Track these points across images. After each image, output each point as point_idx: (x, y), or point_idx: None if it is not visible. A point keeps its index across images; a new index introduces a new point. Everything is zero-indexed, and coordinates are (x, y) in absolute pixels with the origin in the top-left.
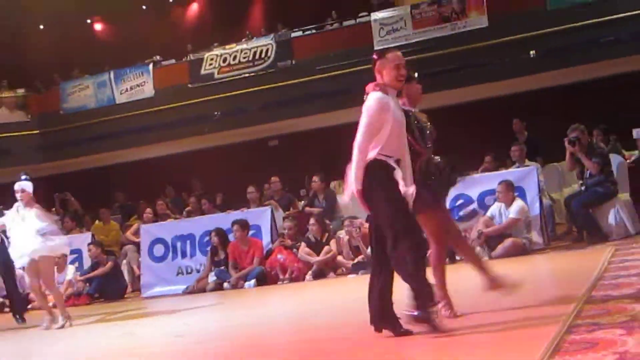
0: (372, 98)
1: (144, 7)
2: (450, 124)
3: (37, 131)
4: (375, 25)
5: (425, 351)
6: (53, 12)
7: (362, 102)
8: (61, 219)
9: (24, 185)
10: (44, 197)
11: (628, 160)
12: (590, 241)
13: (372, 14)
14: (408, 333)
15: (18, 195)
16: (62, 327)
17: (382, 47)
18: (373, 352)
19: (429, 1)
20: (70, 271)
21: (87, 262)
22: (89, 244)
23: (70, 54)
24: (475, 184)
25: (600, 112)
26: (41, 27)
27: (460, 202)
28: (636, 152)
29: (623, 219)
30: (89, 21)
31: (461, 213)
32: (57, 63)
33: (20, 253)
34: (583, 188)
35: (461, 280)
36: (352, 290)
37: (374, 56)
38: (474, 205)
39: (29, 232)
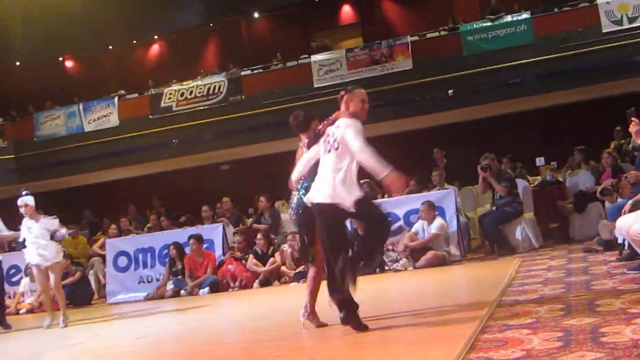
0: (350, 120)
1: (110, 47)
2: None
3: (13, 156)
4: (314, 66)
5: (351, 350)
6: (28, 50)
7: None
8: None
9: (26, 200)
10: (17, 215)
11: (532, 185)
12: (500, 253)
13: (312, 56)
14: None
15: (22, 210)
16: (65, 326)
17: (320, 85)
18: (307, 347)
19: (362, 46)
20: None
21: None
22: None
23: (43, 87)
24: (401, 204)
25: (508, 143)
26: (17, 63)
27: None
28: (539, 177)
29: (528, 234)
30: (60, 59)
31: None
32: (31, 95)
33: (35, 260)
34: (494, 208)
35: (385, 288)
36: (294, 296)
37: (342, 91)
38: (401, 222)
39: (37, 241)
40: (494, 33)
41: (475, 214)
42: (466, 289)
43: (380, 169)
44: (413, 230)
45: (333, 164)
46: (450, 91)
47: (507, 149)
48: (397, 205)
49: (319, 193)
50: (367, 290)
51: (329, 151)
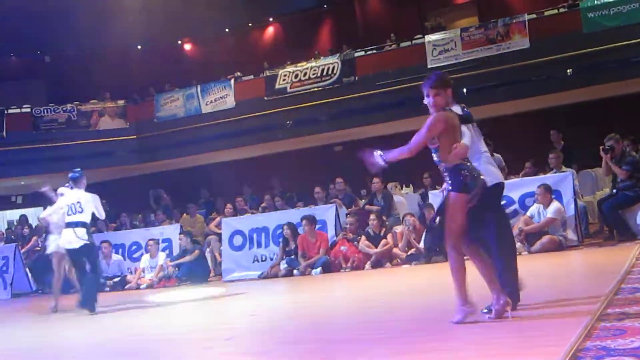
0: None
1: (227, 30)
2: (494, 133)
3: (134, 136)
4: (428, 46)
5: (471, 333)
6: (149, 35)
7: (416, 113)
8: (155, 212)
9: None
10: (139, 194)
11: None
12: (620, 239)
13: (426, 36)
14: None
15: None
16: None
17: (435, 65)
18: (420, 331)
19: (477, 25)
20: (162, 257)
21: (175, 250)
22: (179, 234)
23: (163, 70)
24: (516, 187)
25: (631, 124)
26: (139, 47)
27: (503, 202)
28: None
29: None
30: (179, 42)
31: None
32: (152, 78)
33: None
34: (614, 191)
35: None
36: (406, 278)
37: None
38: (516, 206)
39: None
40: (617, 9)
41: (594, 198)
42: (583, 275)
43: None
44: (528, 214)
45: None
46: (569, 70)
47: (629, 130)
48: (512, 188)
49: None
50: (477, 274)
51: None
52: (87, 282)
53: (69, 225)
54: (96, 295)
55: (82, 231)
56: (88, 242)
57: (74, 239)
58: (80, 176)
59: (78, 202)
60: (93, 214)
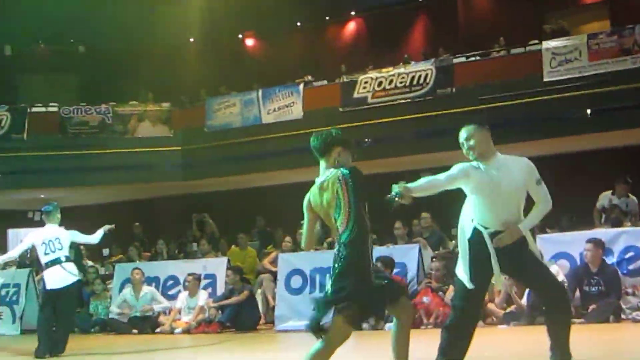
0: None
1: (298, 23)
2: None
3: (180, 147)
4: (546, 55)
5: None
6: (204, 27)
7: (526, 136)
8: (197, 240)
9: None
10: (181, 217)
11: None
12: None
13: (543, 42)
14: None
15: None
16: None
17: (553, 79)
18: None
19: (609, 31)
20: (203, 296)
21: (220, 288)
22: (227, 269)
23: (218, 69)
24: None
25: None
26: (191, 39)
27: (630, 254)
28: None
29: None
30: (240, 36)
31: (630, 267)
32: (204, 78)
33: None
34: None
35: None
36: (503, 343)
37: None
38: None
39: None
40: None
41: None
42: None
43: None
44: None
45: None
46: None
47: None
48: None
49: None
50: (598, 342)
51: None
52: (66, 324)
53: (54, 262)
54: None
55: (71, 266)
56: (80, 278)
57: (65, 275)
58: (54, 209)
59: (57, 238)
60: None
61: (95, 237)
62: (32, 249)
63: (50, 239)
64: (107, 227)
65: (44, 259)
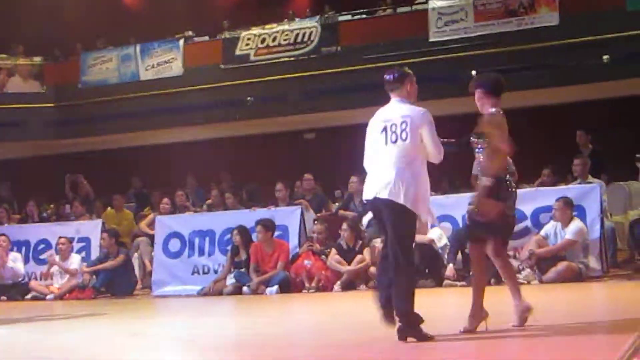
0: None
1: None
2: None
3: (52, 104)
4: (432, 14)
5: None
6: None
7: None
8: (70, 202)
9: None
10: (53, 178)
11: None
12: None
13: (430, 1)
14: (431, 338)
15: None
16: None
17: (438, 39)
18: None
19: None
20: (76, 260)
21: (94, 252)
22: (102, 232)
23: (94, 21)
24: (529, 199)
25: None
26: None
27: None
28: None
29: None
30: None
31: None
32: (79, 31)
33: None
34: None
35: (500, 303)
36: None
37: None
38: (527, 223)
39: None
40: None
41: (626, 219)
42: (606, 312)
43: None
44: (542, 233)
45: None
46: (605, 57)
47: None
48: (525, 199)
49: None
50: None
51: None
52: None
53: None
54: None
55: None
56: None
57: None
58: None
59: None
60: None
61: None
62: None
63: None
64: None
65: None
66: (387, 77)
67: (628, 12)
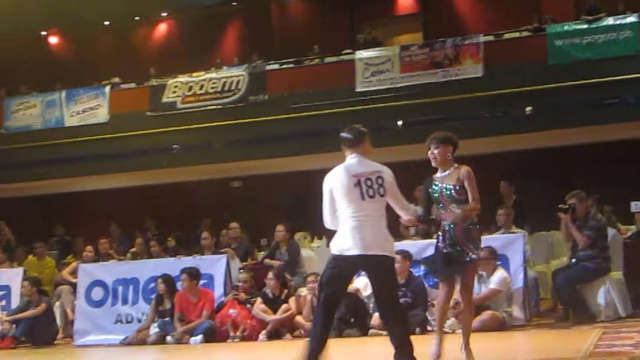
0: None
1: (106, 22)
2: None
3: None
4: (359, 65)
5: None
6: (5, 19)
7: (336, 147)
8: None
9: None
10: None
11: (624, 235)
12: (575, 321)
13: (357, 52)
14: None
15: None
16: None
17: (364, 89)
18: None
19: (421, 43)
20: None
21: (15, 301)
22: (23, 280)
23: (19, 67)
24: None
25: (596, 181)
26: None
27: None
28: (633, 227)
29: (614, 298)
30: (44, 33)
31: (435, 279)
32: (3, 76)
33: None
34: (573, 261)
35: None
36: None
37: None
38: None
39: None
40: (590, 38)
41: (548, 268)
42: None
43: None
44: None
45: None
46: (528, 109)
47: (594, 188)
48: None
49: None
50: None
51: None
52: None
53: None
54: None
55: None
56: None
57: None
58: None
59: None
60: None
61: None
62: None
63: None
64: None
65: None
66: (346, 135)
67: (549, 66)
